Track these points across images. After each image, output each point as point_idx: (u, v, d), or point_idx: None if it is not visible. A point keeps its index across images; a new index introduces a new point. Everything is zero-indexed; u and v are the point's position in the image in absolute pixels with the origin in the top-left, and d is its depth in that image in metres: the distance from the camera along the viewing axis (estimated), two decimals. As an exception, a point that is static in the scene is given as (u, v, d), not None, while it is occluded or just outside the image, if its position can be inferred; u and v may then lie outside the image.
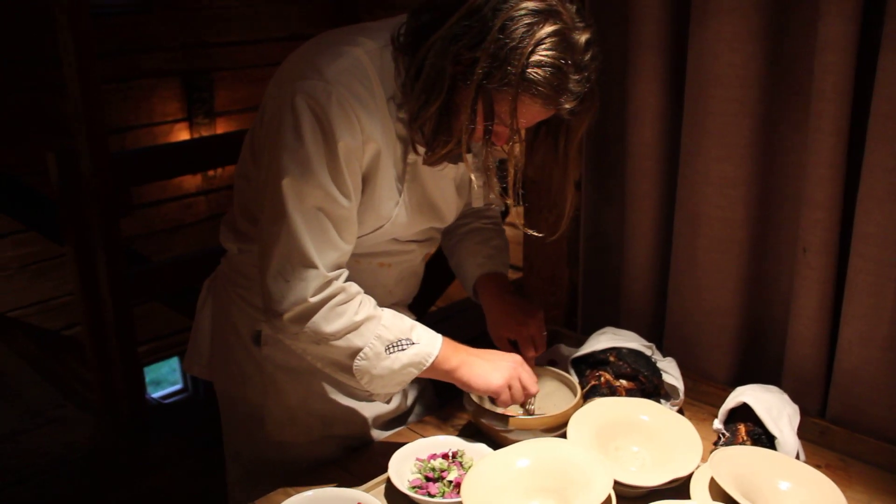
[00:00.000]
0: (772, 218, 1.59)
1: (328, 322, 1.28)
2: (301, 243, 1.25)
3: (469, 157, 1.29)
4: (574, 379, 1.55)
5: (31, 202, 3.61)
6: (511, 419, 1.42)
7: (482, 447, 1.42)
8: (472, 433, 1.50)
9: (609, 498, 1.20)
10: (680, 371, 1.62)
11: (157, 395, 5.41)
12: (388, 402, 1.56)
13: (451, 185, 1.45)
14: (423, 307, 3.59)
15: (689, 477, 1.30)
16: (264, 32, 5.01)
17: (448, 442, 1.44)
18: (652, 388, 1.57)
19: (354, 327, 1.30)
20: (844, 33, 1.37)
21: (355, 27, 1.34)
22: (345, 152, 1.23)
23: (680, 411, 1.61)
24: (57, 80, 2.98)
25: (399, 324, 1.34)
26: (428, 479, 1.36)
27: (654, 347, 1.64)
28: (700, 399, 1.66)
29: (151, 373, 5.49)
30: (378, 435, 1.58)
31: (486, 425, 1.44)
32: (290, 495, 1.30)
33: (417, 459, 1.41)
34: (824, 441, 1.51)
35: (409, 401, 1.65)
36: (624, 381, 1.57)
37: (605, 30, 1.74)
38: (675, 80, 1.65)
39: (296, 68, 1.27)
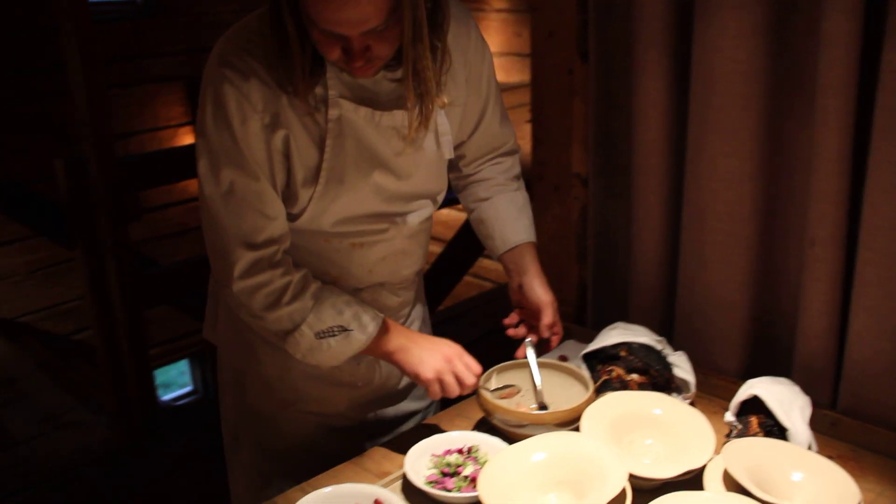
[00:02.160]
0: (779, 212, 1.60)
1: (259, 305, 1.34)
2: (221, 226, 1.31)
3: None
4: (586, 374, 1.56)
5: (40, 208, 3.63)
6: (524, 414, 1.44)
7: (497, 442, 1.43)
8: (487, 428, 1.51)
9: (624, 490, 1.21)
10: (691, 365, 1.64)
11: (166, 397, 5.44)
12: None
13: (397, 137, 1.37)
14: (432, 307, 3.60)
15: (703, 469, 1.31)
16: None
17: (463, 437, 1.46)
18: (663, 382, 1.58)
19: (285, 313, 1.35)
20: (848, 29, 1.38)
21: None
22: (242, 132, 1.25)
23: (692, 405, 1.62)
24: (62, 87, 3.00)
25: (331, 312, 1.37)
26: (444, 474, 1.37)
27: (664, 342, 1.65)
28: (711, 392, 1.67)
29: (161, 376, 5.51)
30: (359, 415, 1.60)
31: (500, 420, 1.45)
32: (305, 492, 1.32)
33: (433, 455, 1.42)
34: (836, 432, 1.53)
35: (402, 384, 1.64)
36: (635, 376, 1.58)
37: (610, 27, 1.76)
38: (680, 76, 1.66)
39: (213, 50, 1.30)
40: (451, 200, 4.18)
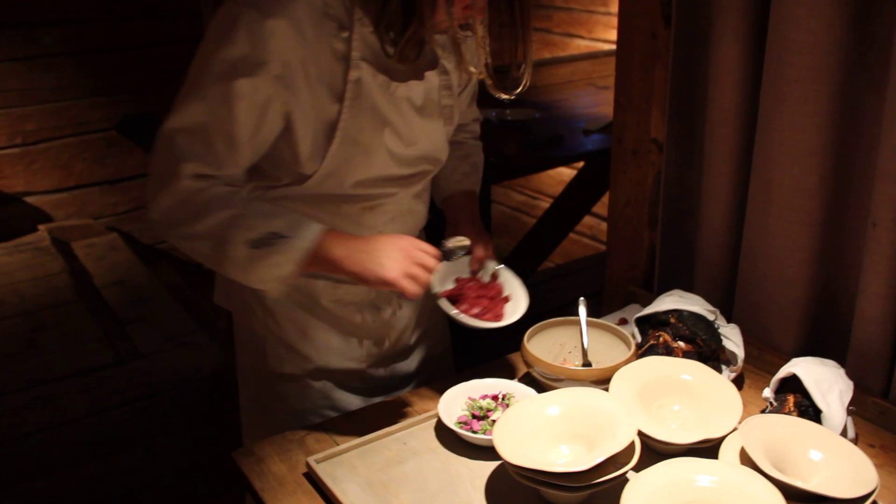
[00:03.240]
0: (847, 190, 1.54)
1: (189, 221, 1.29)
2: (173, 145, 1.28)
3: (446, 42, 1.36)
4: (631, 337, 1.58)
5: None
6: (561, 369, 1.48)
7: (531, 392, 1.49)
8: (529, 381, 1.57)
9: (633, 444, 1.24)
10: (744, 339, 1.62)
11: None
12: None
13: (409, 107, 1.41)
14: (534, 264, 3.64)
15: (723, 439, 1.32)
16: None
17: (499, 384, 1.52)
18: (709, 352, 1.58)
19: (216, 225, 1.27)
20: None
21: None
22: (230, 67, 1.23)
23: (740, 377, 1.62)
24: (200, 32, 3.23)
25: (261, 220, 1.28)
26: (474, 416, 1.44)
27: (717, 313, 1.64)
28: (763, 368, 1.65)
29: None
30: (376, 370, 1.65)
31: (538, 373, 1.51)
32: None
33: (469, 398, 1.50)
34: (884, 422, 1.48)
35: (413, 339, 1.71)
36: (682, 343, 1.59)
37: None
38: (758, 45, 1.61)
39: None
40: (566, 159, 4.14)
